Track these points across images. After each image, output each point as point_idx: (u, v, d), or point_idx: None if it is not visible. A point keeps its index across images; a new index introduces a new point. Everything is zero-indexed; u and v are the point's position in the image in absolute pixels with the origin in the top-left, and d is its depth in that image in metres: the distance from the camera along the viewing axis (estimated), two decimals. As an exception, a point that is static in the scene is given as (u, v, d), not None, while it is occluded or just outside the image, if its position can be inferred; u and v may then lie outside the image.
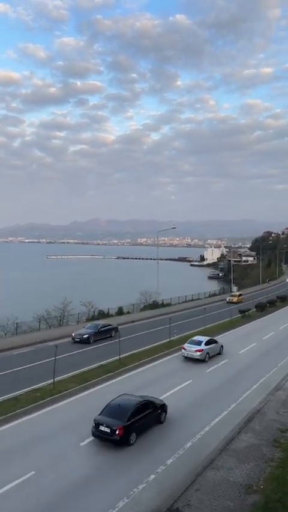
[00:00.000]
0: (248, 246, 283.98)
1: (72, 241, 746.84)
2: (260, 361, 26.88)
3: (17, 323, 36.10)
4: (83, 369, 23.57)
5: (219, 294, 77.01)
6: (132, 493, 11.37)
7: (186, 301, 61.11)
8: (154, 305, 53.74)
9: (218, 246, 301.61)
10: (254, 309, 50.50)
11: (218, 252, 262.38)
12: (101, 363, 24.94)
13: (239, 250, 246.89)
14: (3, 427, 15.74)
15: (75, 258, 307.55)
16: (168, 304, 56.31)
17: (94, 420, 14.69)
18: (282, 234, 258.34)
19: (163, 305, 54.89)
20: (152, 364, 25.77)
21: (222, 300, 62.12)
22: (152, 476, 12.30)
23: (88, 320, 43.21)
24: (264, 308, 51.30)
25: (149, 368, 24.95)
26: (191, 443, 14.65)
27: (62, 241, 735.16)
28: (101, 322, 36.44)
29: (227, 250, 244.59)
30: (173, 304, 56.99)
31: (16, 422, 16.29)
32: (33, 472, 12.33)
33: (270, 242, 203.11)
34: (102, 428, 14.27)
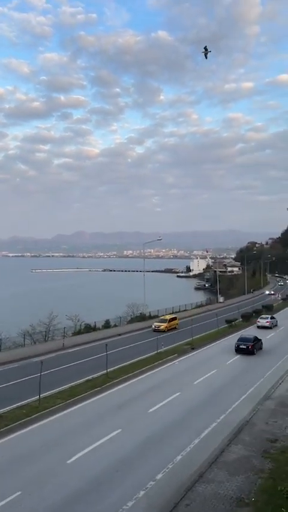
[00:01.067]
0: (233, 256, 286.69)
1: (57, 254, 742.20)
2: (248, 371, 26.90)
3: (0, 339, 35.34)
4: (69, 384, 23.16)
5: (206, 304, 77.26)
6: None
7: (173, 313, 60.96)
8: (141, 317, 53.42)
9: (204, 257, 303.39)
10: (241, 319, 50.78)
11: (204, 263, 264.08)
12: (88, 377, 24.57)
13: (224, 260, 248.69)
14: (-13, 447, 15.24)
15: (60, 271, 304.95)
16: (156, 316, 55.97)
17: (236, 344, 32.42)
18: (266, 244, 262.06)
19: (150, 317, 54.59)
20: (140, 377, 25.50)
21: (210, 311, 62.31)
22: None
23: (74, 334, 42.64)
24: (249, 318, 51.62)
25: (137, 381, 24.68)
26: (181, 456, 14.43)
27: (47, 254, 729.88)
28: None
29: (213, 260, 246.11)
30: (160, 316, 56.78)
31: (1, 440, 15.80)
32: (19, 492, 11.93)
33: (255, 252, 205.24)
34: (241, 346, 31.81)
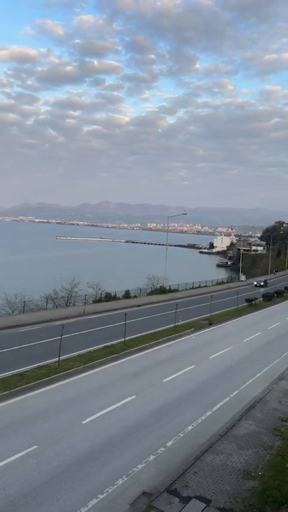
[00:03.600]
0: (259, 235, 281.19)
1: (82, 223, 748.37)
2: (264, 350, 26.87)
3: (24, 301, 36.49)
4: (88, 349, 23.82)
5: (227, 282, 76.83)
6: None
7: (193, 288, 61.12)
8: (161, 290, 53.81)
9: (228, 234, 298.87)
10: (261, 299, 50.34)
11: (228, 240, 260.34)
12: (106, 344, 25.17)
13: (249, 239, 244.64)
14: (8, 402, 16.03)
15: (84, 239, 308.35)
16: (175, 290, 56.35)
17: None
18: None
19: (170, 291, 54.94)
20: (157, 347, 25.93)
21: (230, 289, 61.98)
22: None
23: (95, 301, 43.50)
24: (271, 298, 51.09)
25: (153, 351, 25.12)
26: (192, 426, 14.79)
27: (71, 222, 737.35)
28: None
29: (237, 238, 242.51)
30: (180, 291, 57.05)
31: (21, 397, 16.58)
32: (35, 446, 12.58)
33: (282, 232, 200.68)
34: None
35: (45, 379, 18.49)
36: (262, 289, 57.03)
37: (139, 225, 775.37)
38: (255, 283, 68.99)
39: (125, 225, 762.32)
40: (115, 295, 47.15)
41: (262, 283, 66.29)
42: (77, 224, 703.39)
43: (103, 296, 45.99)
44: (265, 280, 71.24)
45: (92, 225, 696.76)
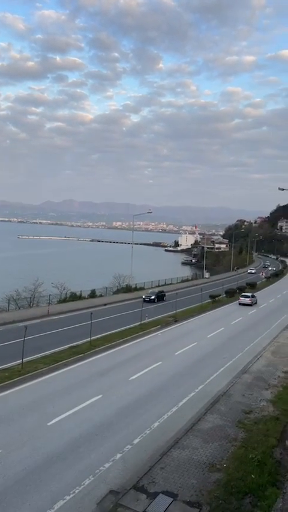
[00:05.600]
0: (222, 233, 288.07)
1: (45, 221, 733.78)
2: (228, 345, 27.57)
3: (-16, 303, 35.29)
4: (53, 350, 23.42)
5: (192, 279, 78.11)
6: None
7: (159, 286, 61.58)
8: (127, 289, 53.85)
9: (193, 233, 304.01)
10: (224, 295, 51.62)
11: (192, 238, 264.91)
12: (72, 344, 24.86)
13: (213, 237, 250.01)
14: None
15: (48, 239, 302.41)
16: (142, 288, 56.55)
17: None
18: (255, 222, 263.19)
19: (136, 289, 55.10)
20: (123, 346, 25.93)
21: (195, 286, 63.04)
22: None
23: (59, 302, 42.80)
24: (233, 294, 52.49)
25: (119, 350, 25.10)
26: (158, 423, 14.92)
27: (34, 221, 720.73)
28: None
29: (201, 236, 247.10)
30: (146, 289, 57.27)
31: (-18, 401, 16.04)
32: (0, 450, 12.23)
33: (243, 230, 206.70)
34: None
35: (8, 382, 17.99)
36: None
37: (104, 223, 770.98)
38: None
39: (90, 224, 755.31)
40: (80, 294, 46.63)
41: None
42: (40, 223, 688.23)
43: (68, 296, 45.33)
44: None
45: (56, 224, 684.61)
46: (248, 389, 18.82)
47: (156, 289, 51.45)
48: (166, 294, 49.00)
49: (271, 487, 10.79)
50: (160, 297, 47.33)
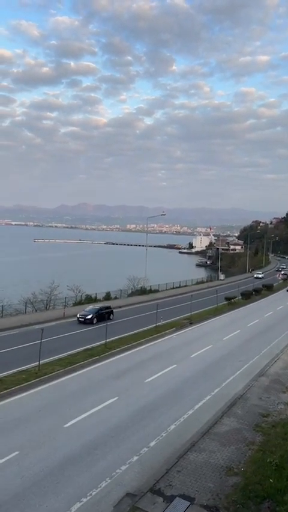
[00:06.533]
0: (236, 234, 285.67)
1: (60, 225, 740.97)
2: (244, 348, 27.26)
3: (2, 306, 35.79)
4: (69, 352, 23.58)
5: (207, 281, 77.60)
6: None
7: (173, 288, 61.45)
8: (142, 291, 53.87)
9: (207, 234, 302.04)
10: (240, 297, 51.10)
11: (207, 240, 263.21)
12: (87, 347, 24.98)
13: (227, 238, 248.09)
14: (-13, 408, 15.68)
15: (63, 242, 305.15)
16: (156, 291, 56.51)
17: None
18: (271, 223, 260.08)
19: (151, 291, 55.07)
20: (138, 348, 25.92)
21: (210, 288, 62.62)
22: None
23: (75, 304, 43.11)
24: (249, 296, 51.92)
25: (134, 352, 25.10)
26: (175, 425, 14.86)
27: (49, 224, 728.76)
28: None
29: (216, 238, 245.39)
30: (161, 291, 57.24)
31: (0, 403, 16.25)
32: (16, 452, 12.35)
33: (258, 231, 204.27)
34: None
35: (26, 384, 18.19)
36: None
37: (118, 226, 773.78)
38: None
39: (104, 227, 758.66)
40: (96, 297, 46.87)
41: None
42: (55, 226, 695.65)
43: (83, 298, 45.64)
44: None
45: (71, 227, 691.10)
46: (265, 392, 18.57)
47: (99, 305, 37.79)
48: (181, 296, 48.71)
49: (290, 491, 10.60)
50: (101, 316, 33.70)
